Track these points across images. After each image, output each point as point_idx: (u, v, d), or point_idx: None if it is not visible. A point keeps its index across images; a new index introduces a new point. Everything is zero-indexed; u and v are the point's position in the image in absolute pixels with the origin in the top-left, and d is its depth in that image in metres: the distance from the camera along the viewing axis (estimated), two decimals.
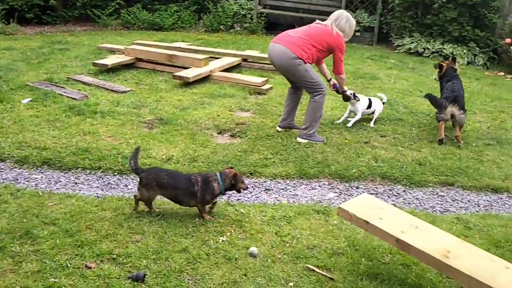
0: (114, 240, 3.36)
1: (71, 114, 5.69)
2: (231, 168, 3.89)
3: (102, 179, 4.40)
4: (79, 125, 5.41)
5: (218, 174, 3.77)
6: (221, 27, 12.47)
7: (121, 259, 3.16)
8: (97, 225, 3.52)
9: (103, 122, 5.55)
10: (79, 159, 4.63)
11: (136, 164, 3.74)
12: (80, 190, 4.16)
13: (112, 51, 8.90)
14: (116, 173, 4.50)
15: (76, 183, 4.30)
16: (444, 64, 6.19)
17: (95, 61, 7.79)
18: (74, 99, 6.25)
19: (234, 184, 3.75)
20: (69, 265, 3.07)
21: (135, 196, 3.77)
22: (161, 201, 3.97)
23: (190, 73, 7.24)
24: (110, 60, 7.82)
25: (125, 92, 6.71)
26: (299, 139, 5.34)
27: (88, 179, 4.39)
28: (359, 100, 5.88)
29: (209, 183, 3.69)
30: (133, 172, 3.90)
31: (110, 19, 12.15)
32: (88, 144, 4.92)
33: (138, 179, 3.73)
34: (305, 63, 5.13)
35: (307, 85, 5.24)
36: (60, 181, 4.31)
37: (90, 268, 3.06)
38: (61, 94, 6.38)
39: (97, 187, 4.26)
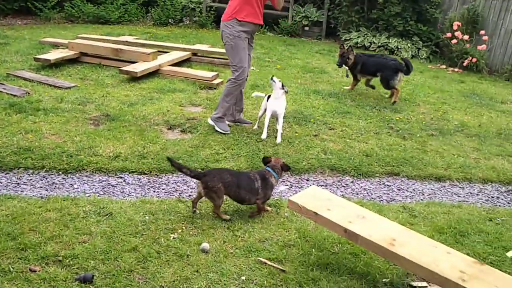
0: (60, 241, 3.25)
1: (11, 112, 5.44)
2: (270, 158, 3.92)
3: (46, 178, 4.24)
4: (21, 123, 5.18)
5: (269, 169, 3.79)
6: (169, 20, 12.29)
7: (67, 261, 3.06)
8: (41, 226, 3.39)
9: (46, 119, 5.33)
10: (21, 159, 4.43)
11: (192, 170, 3.66)
12: (22, 191, 3.99)
13: (55, 46, 8.57)
14: (60, 172, 4.34)
15: (18, 183, 4.12)
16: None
17: (37, 56, 7.48)
18: (15, 96, 5.96)
19: (284, 170, 3.90)
20: (11, 269, 2.94)
21: (193, 201, 3.75)
22: (109, 200, 3.88)
23: (138, 68, 7.08)
24: (53, 55, 7.53)
25: (70, 88, 6.48)
26: (209, 120, 5.45)
27: (31, 179, 4.21)
28: (287, 92, 5.35)
29: (267, 179, 3.74)
30: (193, 178, 3.80)
31: (53, 12, 11.69)
32: (30, 143, 4.72)
33: (201, 184, 3.61)
34: (236, 23, 5.04)
35: (229, 59, 5.29)
36: (0, 182, 4.11)
37: (35, 271, 2.94)
38: (0, 91, 6.07)
39: (41, 187, 4.09)
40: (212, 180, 3.58)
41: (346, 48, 7.12)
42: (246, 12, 5.06)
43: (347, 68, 7.21)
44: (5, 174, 4.25)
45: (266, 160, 3.93)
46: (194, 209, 3.76)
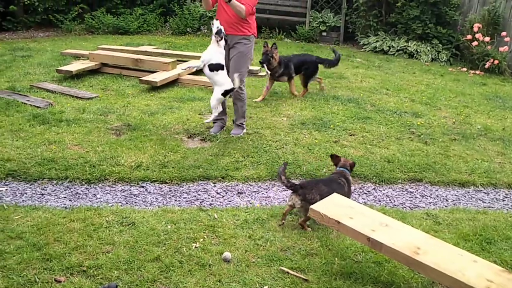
0: (84, 251, 3.29)
1: (35, 123, 5.54)
2: (339, 158, 4.07)
3: (70, 189, 4.30)
4: (44, 134, 5.27)
5: (344, 170, 3.95)
6: (187, 29, 12.39)
7: (91, 271, 3.09)
8: (65, 237, 3.44)
9: (69, 130, 5.42)
10: (45, 170, 4.51)
11: (289, 180, 3.72)
12: (47, 202, 4.06)
13: (77, 57, 8.71)
14: (84, 183, 4.40)
15: (42, 194, 4.19)
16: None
17: (59, 68, 7.61)
18: (38, 107, 6.08)
19: (352, 170, 4.10)
20: (37, 280, 2.99)
21: (284, 213, 3.78)
22: (131, 209, 3.91)
23: (158, 77, 7.16)
24: (75, 66, 7.65)
25: (91, 98, 6.58)
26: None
27: (55, 189, 4.28)
28: (218, 41, 5.28)
29: (348, 179, 3.94)
30: (288, 188, 3.80)
31: (74, 24, 11.90)
32: (54, 154, 4.80)
33: (299, 196, 3.65)
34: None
35: None
36: (25, 193, 4.19)
37: (60, 282, 2.99)
38: (24, 103, 6.20)
39: (65, 197, 4.16)
40: (310, 192, 3.63)
41: (270, 46, 6.89)
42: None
43: (267, 71, 6.96)
44: (30, 185, 4.33)
45: (335, 159, 4.07)
46: (283, 221, 3.76)
